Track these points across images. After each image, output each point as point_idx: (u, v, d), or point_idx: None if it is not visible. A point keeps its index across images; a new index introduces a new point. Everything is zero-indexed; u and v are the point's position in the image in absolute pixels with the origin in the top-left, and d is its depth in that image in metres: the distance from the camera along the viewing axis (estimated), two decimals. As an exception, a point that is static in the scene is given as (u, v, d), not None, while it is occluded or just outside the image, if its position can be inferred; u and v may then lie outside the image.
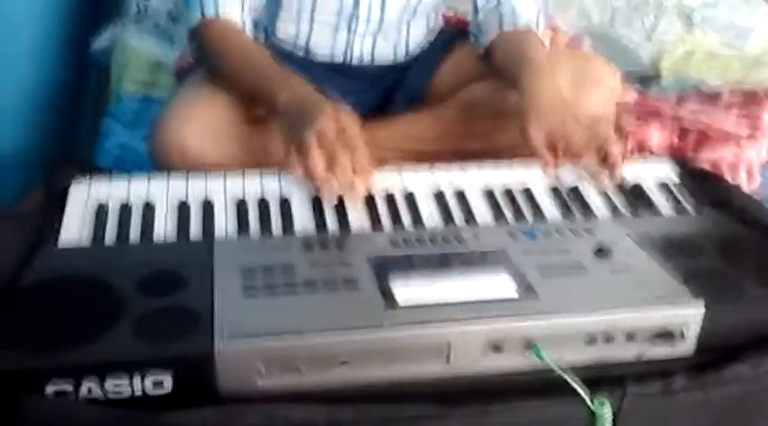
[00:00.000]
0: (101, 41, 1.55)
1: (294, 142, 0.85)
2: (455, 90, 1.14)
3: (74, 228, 0.78)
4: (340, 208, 0.83)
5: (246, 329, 0.62)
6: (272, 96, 0.93)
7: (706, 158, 1.18)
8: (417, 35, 1.19)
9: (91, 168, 0.92)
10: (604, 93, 1.12)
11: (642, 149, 1.21)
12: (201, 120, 0.97)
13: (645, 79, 1.58)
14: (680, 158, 1.07)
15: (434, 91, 1.19)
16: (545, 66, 0.95)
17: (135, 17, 1.59)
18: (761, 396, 0.69)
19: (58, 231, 0.77)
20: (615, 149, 0.91)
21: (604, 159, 0.91)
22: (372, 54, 1.16)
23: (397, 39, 1.17)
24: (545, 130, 0.91)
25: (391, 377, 0.65)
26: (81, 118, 1.60)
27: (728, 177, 1.11)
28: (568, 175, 0.92)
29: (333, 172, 0.82)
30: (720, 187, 0.93)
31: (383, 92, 1.21)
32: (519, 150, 0.95)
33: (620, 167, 0.91)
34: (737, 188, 0.97)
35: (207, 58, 1.05)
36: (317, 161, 0.82)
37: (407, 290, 0.68)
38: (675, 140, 1.22)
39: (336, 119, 0.85)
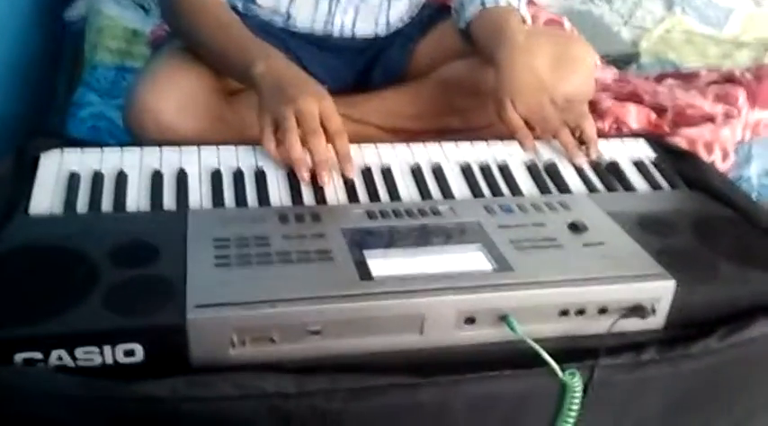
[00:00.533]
0: (75, 9, 1.52)
1: (271, 117, 0.84)
2: (435, 67, 1.13)
3: (45, 197, 0.76)
4: (316, 182, 0.83)
5: (219, 299, 0.62)
6: (246, 66, 0.91)
7: (683, 136, 1.18)
8: (399, 8, 1.18)
9: (64, 137, 0.90)
10: (582, 72, 1.12)
11: (619, 127, 1.21)
12: (177, 90, 0.95)
13: (624, 59, 1.58)
14: (656, 136, 1.07)
15: (414, 67, 1.18)
16: (522, 45, 0.95)
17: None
18: (729, 369, 0.71)
19: (28, 199, 0.75)
20: (589, 127, 0.93)
21: (580, 138, 0.92)
22: (353, 26, 1.15)
23: (378, 11, 1.15)
24: (521, 110, 0.91)
25: (365, 347, 0.65)
26: (56, 87, 1.57)
27: (703, 155, 1.12)
28: (545, 151, 0.92)
29: (308, 152, 0.82)
30: (695, 165, 0.94)
31: (363, 67, 1.20)
32: (498, 129, 0.95)
33: (595, 145, 0.92)
34: (712, 166, 0.98)
35: (178, 23, 1.03)
36: (294, 140, 0.81)
37: (381, 262, 0.68)
38: (653, 118, 1.23)
39: (318, 99, 0.84)
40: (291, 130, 0.82)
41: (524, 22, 1.05)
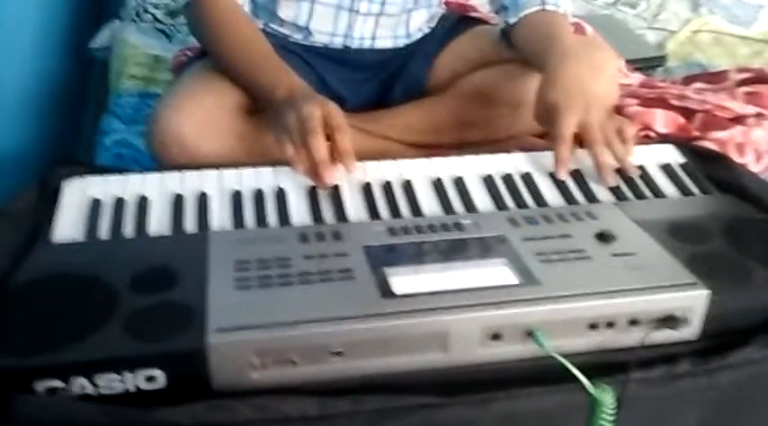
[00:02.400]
0: (100, 39, 1.55)
1: (281, 130, 0.85)
2: (455, 79, 1.13)
3: (68, 224, 0.77)
4: (337, 200, 0.82)
5: (239, 322, 0.61)
6: (269, 89, 0.93)
7: (713, 139, 1.15)
8: (418, 19, 1.18)
9: (86, 165, 0.91)
10: (605, 78, 1.10)
11: (647, 132, 1.18)
12: (198, 111, 0.96)
13: (650, 64, 1.55)
14: (684, 140, 1.05)
15: (435, 80, 1.17)
16: (573, 52, 0.92)
17: (134, 14, 1.58)
18: (766, 380, 0.68)
19: (51, 226, 0.76)
20: (631, 144, 0.89)
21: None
22: (373, 38, 1.15)
23: (398, 21, 1.15)
24: (570, 118, 0.88)
25: (388, 367, 0.64)
26: (83, 116, 1.60)
27: (735, 158, 1.09)
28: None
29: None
30: (726, 168, 0.91)
31: (383, 82, 1.19)
32: (518, 140, 0.94)
33: (631, 166, 0.88)
34: (744, 168, 0.95)
35: (202, 38, 1.04)
36: (295, 138, 0.82)
37: (404, 279, 0.67)
38: (681, 122, 1.20)
39: (320, 105, 0.85)
40: (293, 133, 0.83)
41: (570, 28, 1.04)
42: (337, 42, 1.14)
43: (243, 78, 0.98)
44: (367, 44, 1.15)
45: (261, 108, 1.00)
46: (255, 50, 0.99)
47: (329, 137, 0.84)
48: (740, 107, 1.22)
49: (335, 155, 0.84)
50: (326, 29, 1.13)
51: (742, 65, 1.49)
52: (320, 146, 0.82)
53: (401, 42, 1.18)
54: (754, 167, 1.14)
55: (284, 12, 1.11)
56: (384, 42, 1.16)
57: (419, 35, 1.20)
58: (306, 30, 1.12)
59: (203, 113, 0.96)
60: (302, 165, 0.83)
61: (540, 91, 0.92)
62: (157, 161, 0.97)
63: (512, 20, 1.04)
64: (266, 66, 0.97)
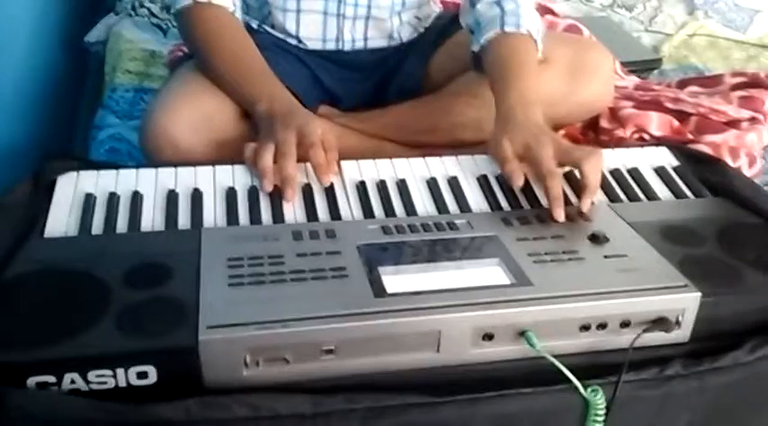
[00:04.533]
0: (95, 33, 1.54)
1: (259, 142, 0.86)
2: (450, 78, 1.12)
3: (60, 219, 0.77)
4: (331, 198, 0.82)
5: (231, 319, 0.61)
6: (252, 101, 0.93)
7: (707, 142, 1.16)
8: (409, 17, 1.17)
9: (80, 160, 0.91)
10: (600, 78, 1.11)
11: (641, 135, 1.19)
12: (192, 111, 0.96)
13: (646, 66, 1.55)
14: (678, 143, 1.05)
15: (430, 80, 1.17)
16: (524, 99, 0.90)
17: (129, 8, 1.58)
18: (757, 383, 0.68)
19: (44, 221, 0.76)
20: (591, 173, 0.80)
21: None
22: (365, 38, 1.14)
23: (388, 23, 1.15)
24: (516, 147, 0.84)
25: (380, 366, 0.64)
26: (79, 110, 1.59)
27: (729, 162, 1.09)
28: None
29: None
30: (720, 171, 0.91)
31: (378, 81, 1.19)
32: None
33: (589, 194, 0.80)
34: (738, 172, 0.95)
35: (192, 45, 1.04)
36: (264, 154, 0.83)
37: (397, 278, 0.67)
38: (675, 125, 1.20)
39: (298, 126, 0.85)
40: (265, 149, 0.84)
41: (536, 59, 1.01)
42: (330, 46, 1.14)
43: (229, 89, 0.98)
44: (360, 46, 1.15)
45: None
46: (241, 60, 0.99)
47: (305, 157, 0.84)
48: (734, 111, 1.22)
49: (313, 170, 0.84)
50: (316, 35, 1.13)
51: (737, 69, 1.50)
52: (287, 166, 0.82)
53: (395, 42, 1.18)
54: (747, 171, 1.15)
55: (274, 20, 1.12)
56: (377, 42, 1.16)
57: (414, 35, 1.20)
58: (296, 36, 1.12)
59: (196, 114, 0.96)
60: (267, 179, 0.83)
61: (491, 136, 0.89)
62: (150, 158, 0.97)
63: (475, 48, 1.02)
64: (251, 76, 0.97)
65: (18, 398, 0.57)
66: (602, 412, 0.63)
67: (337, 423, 0.60)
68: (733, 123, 1.20)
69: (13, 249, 0.71)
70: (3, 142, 1.31)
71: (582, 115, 1.16)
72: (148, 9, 1.58)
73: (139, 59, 1.41)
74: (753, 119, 1.21)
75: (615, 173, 0.90)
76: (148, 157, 0.97)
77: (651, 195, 0.87)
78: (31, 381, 0.58)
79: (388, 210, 0.81)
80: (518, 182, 0.83)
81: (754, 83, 1.34)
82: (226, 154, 0.94)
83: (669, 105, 1.23)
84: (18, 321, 0.62)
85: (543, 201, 0.83)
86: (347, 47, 1.14)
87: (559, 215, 0.78)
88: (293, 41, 1.13)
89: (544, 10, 1.58)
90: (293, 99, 0.94)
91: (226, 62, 0.98)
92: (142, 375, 0.60)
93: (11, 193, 0.79)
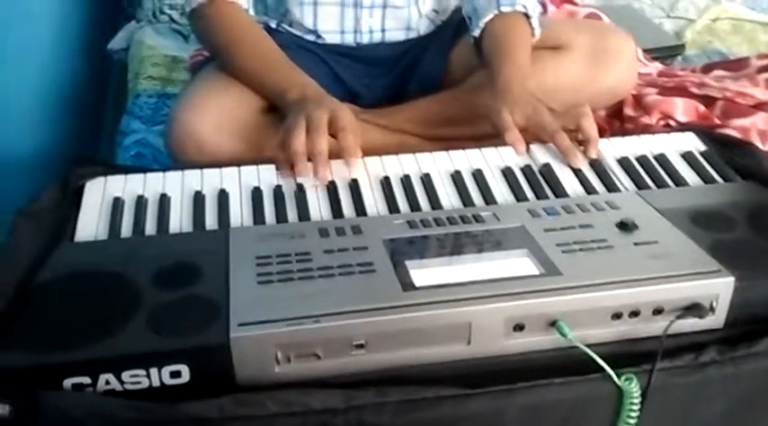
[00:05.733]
0: (117, 40, 1.56)
1: (286, 129, 0.87)
2: (471, 72, 1.12)
3: (90, 223, 0.78)
4: (356, 194, 0.82)
5: (261, 316, 0.61)
6: (278, 92, 0.94)
7: (735, 126, 1.14)
8: (427, 9, 1.17)
9: (107, 165, 0.92)
10: (622, 63, 1.10)
11: (667, 121, 1.17)
12: (215, 110, 0.96)
13: (669, 53, 1.53)
14: (704, 127, 1.04)
15: (450, 74, 1.17)
16: (520, 72, 0.96)
17: (150, 15, 1.59)
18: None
19: (74, 226, 0.77)
20: (588, 126, 0.89)
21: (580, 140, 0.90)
22: (383, 30, 1.15)
23: (406, 13, 1.15)
24: (517, 118, 0.90)
25: (411, 359, 0.64)
26: (104, 117, 1.61)
27: (758, 145, 1.07)
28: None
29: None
30: (749, 154, 0.89)
31: (398, 77, 1.19)
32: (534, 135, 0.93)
33: (594, 144, 0.89)
34: (767, 154, 0.94)
35: (210, 43, 1.05)
36: (295, 134, 0.83)
37: (424, 271, 0.67)
38: (701, 110, 1.18)
39: (330, 109, 0.86)
40: (297, 128, 0.84)
41: (533, 35, 1.04)
42: (348, 40, 1.14)
43: (255, 82, 0.99)
44: (377, 38, 1.15)
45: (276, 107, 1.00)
46: (265, 53, 1.00)
47: (335, 137, 0.85)
48: (762, 93, 1.20)
49: (340, 152, 0.85)
50: (334, 27, 1.13)
51: (763, 51, 1.47)
52: (320, 142, 0.83)
53: (413, 34, 1.17)
54: (777, 154, 1.12)
55: (292, 16, 1.12)
56: (396, 35, 1.16)
57: (432, 28, 1.19)
58: (315, 32, 1.13)
59: (220, 112, 0.96)
60: (303, 165, 0.83)
61: (489, 107, 0.93)
62: (175, 159, 0.98)
63: (475, 33, 1.05)
64: (277, 67, 0.98)
65: (55, 399, 0.58)
66: (637, 400, 0.62)
67: (369, 417, 0.60)
68: (761, 106, 1.18)
69: (44, 254, 0.72)
70: (28, 148, 1.33)
71: (606, 101, 1.15)
72: (169, 16, 1.59)
73: (162, 65, 1.42)
74: (781, 101, 1.19)
75: (642, 159, 0.89)
76: (173, 157, 0.98)
77: (679, 181, 0.86)
78: (67, 382, 0.59)
79: (414, 205, 0.81)
80: (521, 148, 0.89)
81: (780, 64, 1.32)
82: (249, 149, 0.95)
83: (694, 90, 1.21)
84: (53, 324, 0.63)
85: (569, 188, 0.83)
86: (365, 39, 1.14)
87: (577, 161, 0.87)
88: (311, 37, 1.13)
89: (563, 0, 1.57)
90: (320, 88, 0.95)
91: (248, 55, 0.99)
92: (175, 374, 0.60)
93: (38, 200, 0.80)
